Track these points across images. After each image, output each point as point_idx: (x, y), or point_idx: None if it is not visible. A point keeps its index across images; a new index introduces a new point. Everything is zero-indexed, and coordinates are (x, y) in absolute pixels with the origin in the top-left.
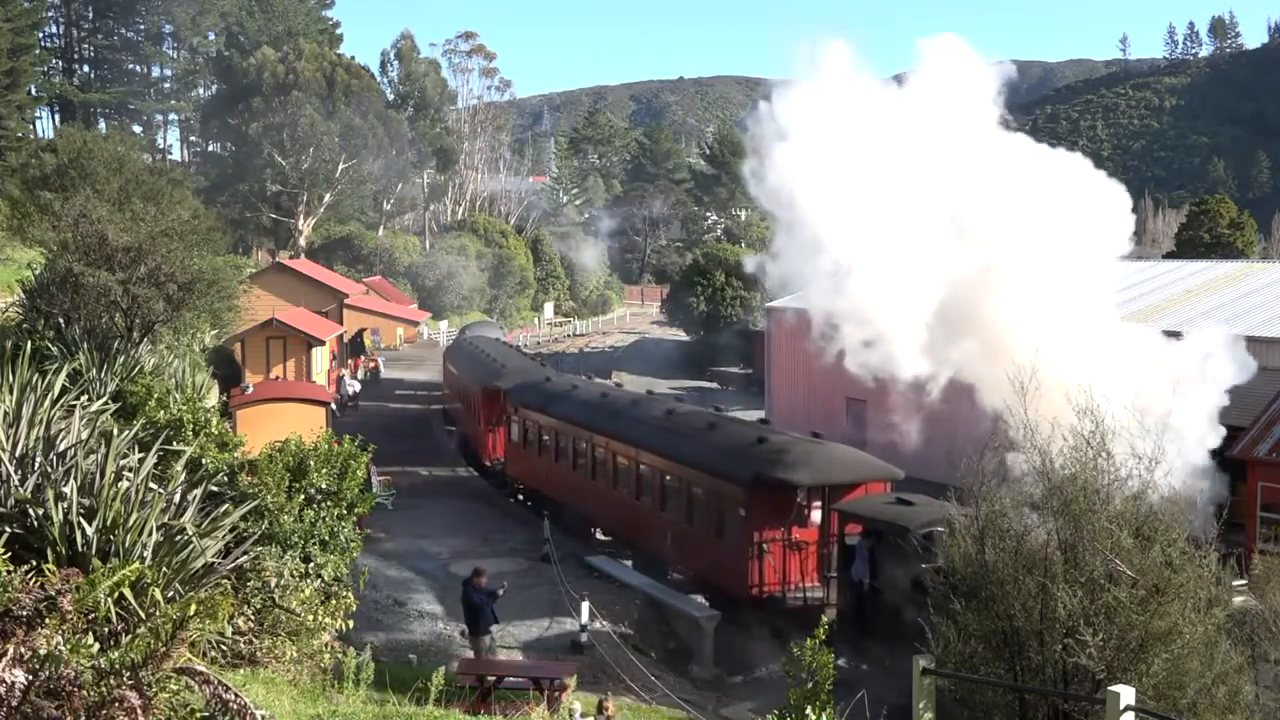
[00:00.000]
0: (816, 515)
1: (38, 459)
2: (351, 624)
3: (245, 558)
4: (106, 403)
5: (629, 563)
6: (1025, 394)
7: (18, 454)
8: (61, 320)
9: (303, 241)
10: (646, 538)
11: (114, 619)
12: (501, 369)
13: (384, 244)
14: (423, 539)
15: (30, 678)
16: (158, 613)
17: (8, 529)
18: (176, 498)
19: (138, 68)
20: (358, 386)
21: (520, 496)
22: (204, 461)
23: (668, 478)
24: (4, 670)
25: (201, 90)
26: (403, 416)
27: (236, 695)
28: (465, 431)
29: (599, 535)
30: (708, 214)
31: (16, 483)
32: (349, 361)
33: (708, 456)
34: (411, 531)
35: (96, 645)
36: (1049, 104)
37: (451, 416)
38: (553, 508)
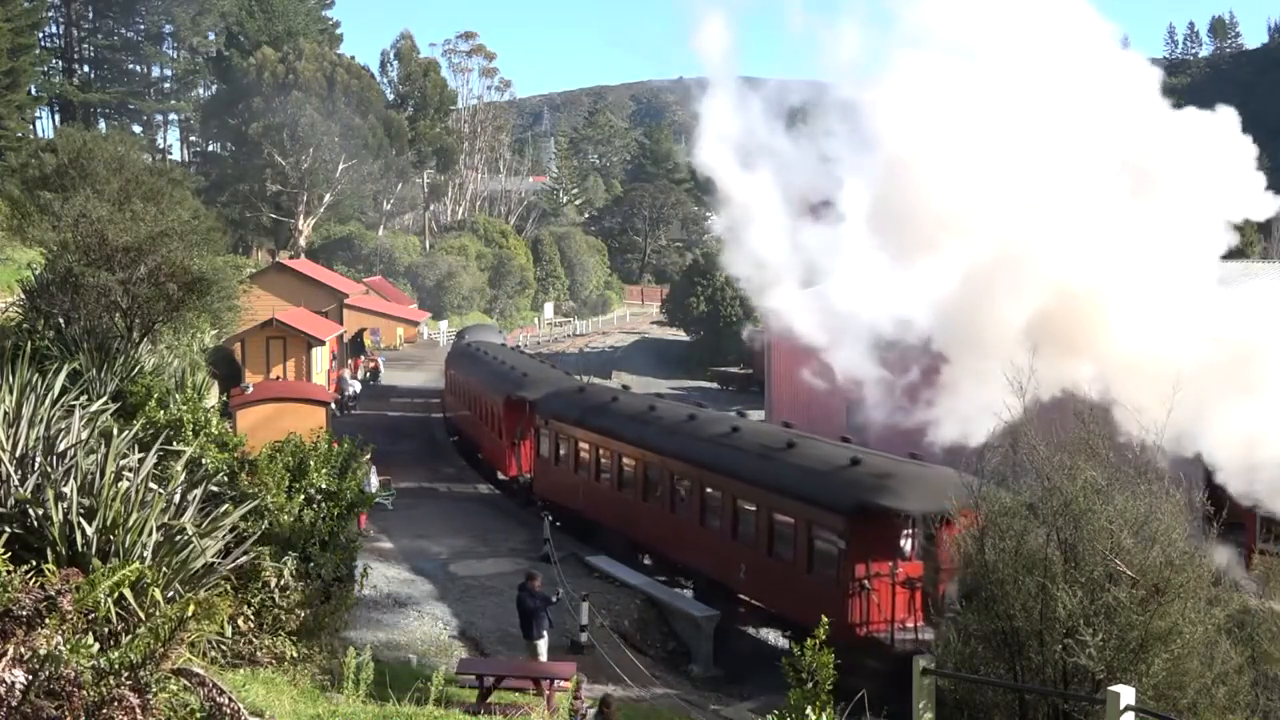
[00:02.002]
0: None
1: (38, 459)
2: (352, 623)
3: (245, 558)
4: (106, 403)
5: (688, 592)
6: (1024, 393)
7: (18, 454)
8: (61, 320)
9: (303, 241)
10: (712, 567)
11: (114, 619)
12: (524, 377)
13: (384, 244)
14: (423, 539)
15: (30, 678)
16: (157, 613)
17: (8, 529)
18: (176, 498)
19: (138, 68)
20: (358, 387)
21: (549, 516)
22: (204, 461)
23: (741, 502)
24: (4, 670)
25: (201, 90)
26: (405, 425)
27: (230, 699)
28: (481, 444)
29: (646, 561)
30: (708, 214)
31: (16, 483)
32: (349, 361)
33: (794, 479)
34: (411, 531)
35: (96, 645)
36: None
37: (456, 426)
38: (591, 529)
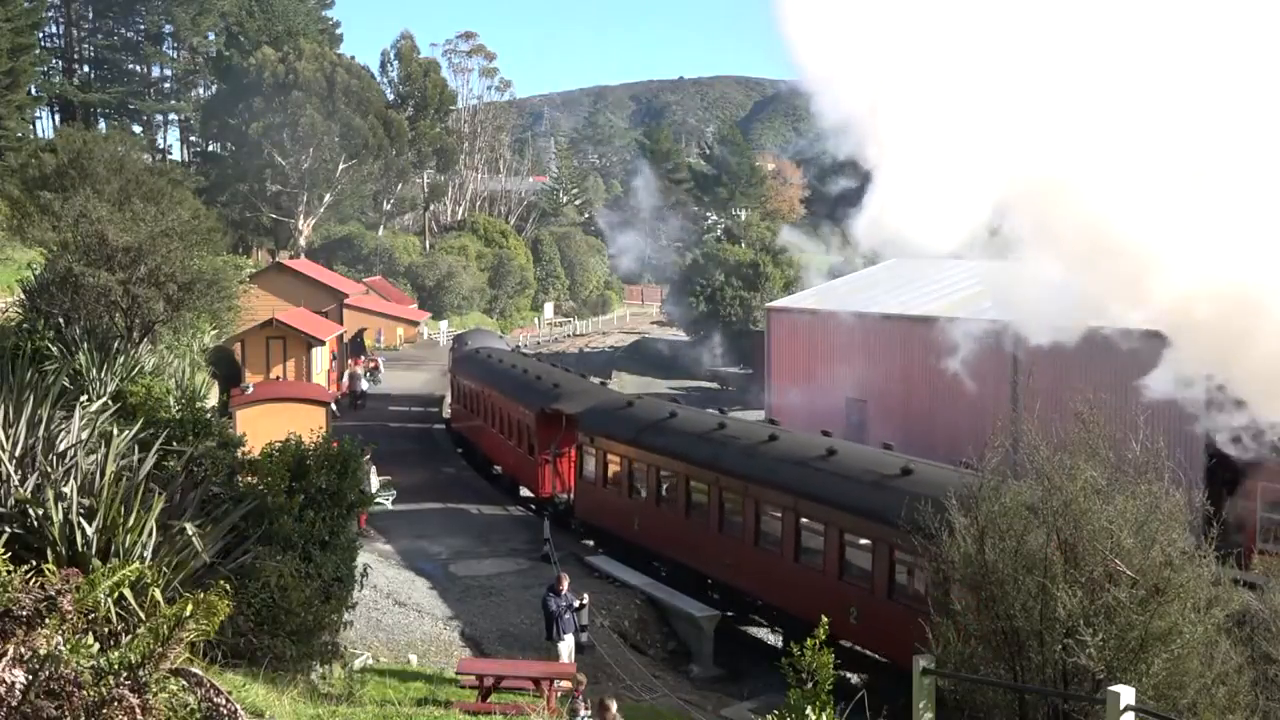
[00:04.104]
0: None
1: (38, 459)
2: (352, 623)
3: (245, 558)
4: (106, 403)
5: (778, 637)
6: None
7: (18, 454)
8: (61, 320)
9: (303, 241)
10: (809, 608)
11: (114, 619)
12: (556, 388)
13: (384, 244)
14: (422, 539)
15: (30, 678)
16: (157, 613)
17: (8, 529)
18: (176, 498)
19: (138, 68)
20: (366, 385)
21: (590, 540)
22: (204, 461)
23: (849, 536)
24: (4, 670)
25: (201, 90)
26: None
27: (228, 699)
28: (502, 459)
29: (714, 596)
30: (708, 214)
31: (16, 483)
32: (349, 361)
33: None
34: (411, 531)
35: (96, 645)
36: None
37: (466, 438)
38: (645, 557)
